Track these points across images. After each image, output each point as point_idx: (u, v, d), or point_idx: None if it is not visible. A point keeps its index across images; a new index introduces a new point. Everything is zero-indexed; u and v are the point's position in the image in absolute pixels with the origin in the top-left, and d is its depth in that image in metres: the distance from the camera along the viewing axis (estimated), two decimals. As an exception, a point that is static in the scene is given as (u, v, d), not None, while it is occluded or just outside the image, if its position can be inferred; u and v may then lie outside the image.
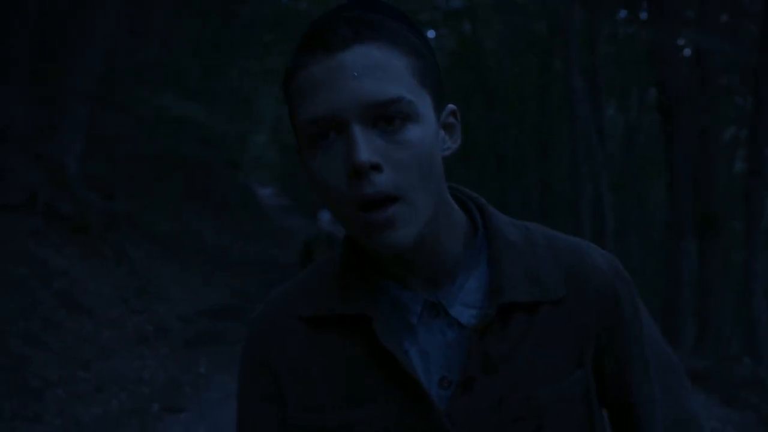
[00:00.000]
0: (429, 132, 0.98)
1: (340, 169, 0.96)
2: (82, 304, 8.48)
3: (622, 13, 23.28)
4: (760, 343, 11.41)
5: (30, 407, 6.11)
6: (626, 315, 1.10)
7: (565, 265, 1.08)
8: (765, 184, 12.09)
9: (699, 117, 13.47)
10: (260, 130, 46.62)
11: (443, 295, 1.06)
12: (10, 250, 8.33)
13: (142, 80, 14.26)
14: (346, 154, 0.95)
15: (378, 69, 0.95)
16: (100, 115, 12.13)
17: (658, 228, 26.14)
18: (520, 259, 1.07)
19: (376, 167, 0.94)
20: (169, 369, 8.34)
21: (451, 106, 1.06)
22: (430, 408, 1.02)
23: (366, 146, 0.94)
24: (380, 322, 1.04)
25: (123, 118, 14.14)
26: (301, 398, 1.08)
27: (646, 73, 21.04)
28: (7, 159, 9.90)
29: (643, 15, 20.09)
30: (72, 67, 10.78)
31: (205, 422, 6.68)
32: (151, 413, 6.87)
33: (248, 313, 12.43)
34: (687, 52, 16.31)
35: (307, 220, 34.47)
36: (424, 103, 0.99)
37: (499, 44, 29.19)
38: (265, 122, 46.53)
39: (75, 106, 10.40)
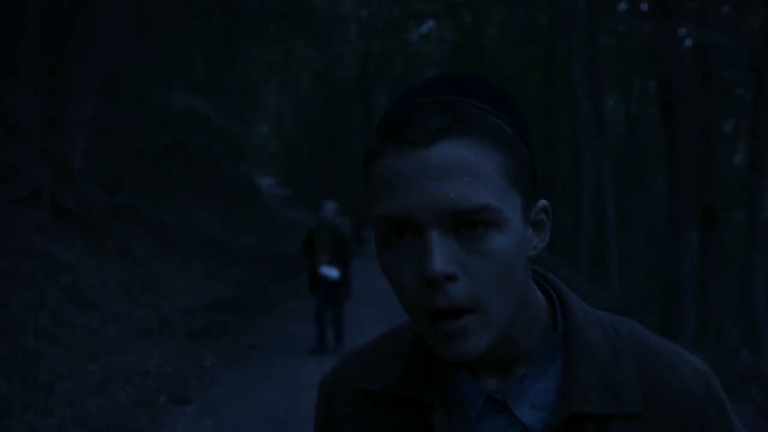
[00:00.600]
0: (514, 239, 0.90)
1: (413, 272, 0.89)
2: (88, 299, 8.57)
3: (623, 5, 23.28)
4: (759, 336, 11.49)
5: (41, 400, 6.22)
6: None
7: (648, 376, 0.98)
8: (766, 176, 12.13)
9: (700, 111, 13.52)
10: (263, 121, 46.65)
11: (510, 392, 0.98)
12: (18, 244, 8.41)
13: (148, 75, 14.33)
14: (420, 260, 0.88)
15: (465, 172, 0.87)
16: (106, 110, 12.20)
17: (661, 219, 26.20)
18: (599, 366, 0.98)
19: (451, 278, 0.87)
20: (174, 362, 8.43)
21: (542, 202, 0.97)
22: None
23: (442, 255, 0.87)
24: (440, 411, 0.98)
25: (128, 112, 14.22)
26: None
27: (648, 64, 21.07)
28: (14, 154, 9.98)
29: (644, 6, 20.08)
30: (79, 63, 10.85)
31: (211, 415, 6.77)
32: (158, 405, 6.96)
33: (251, 305, 12.56)
34: (688, 42, 16.34)
35: (309, 212, 34.57)
36: (511, 207, 0.90)
37: (500, 35, 29.20)
38: (268, 113, 46.56)
39: (81, 102, 10.48)
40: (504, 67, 27.83)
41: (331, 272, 9.19)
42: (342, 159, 40.72)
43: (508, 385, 0.98)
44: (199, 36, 18.56)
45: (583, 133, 19.58)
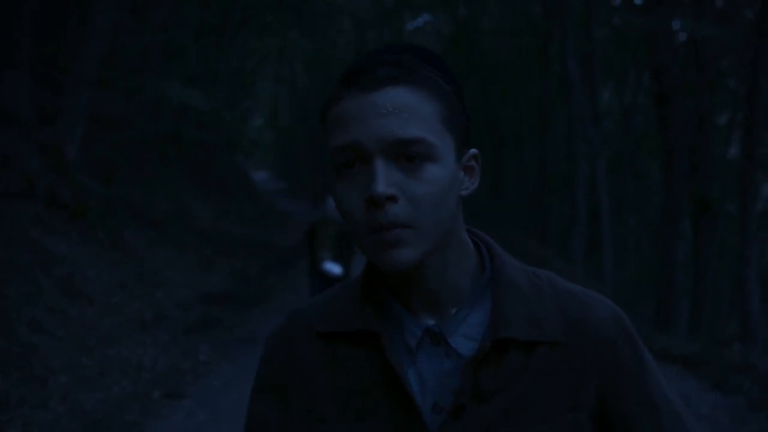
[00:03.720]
0: (446, 172, 1.06)
1: (360, 197, 1.05)
2: (83, 291, 8.57)
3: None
4: (752, 328, 11.52)
5: (36, 394, 6.22)
6: (627, 366, 1.13)
7: (567, 313, 1.13)
8: (761, 167, 12.13)
9: (694, 102, 13.53)
10: (258, 112, 46.53)
11: (445, 325, 1.12)
12: (13, 236, 8.41)
13: (144, 64, 14.30)
14: (367, 185, 1.04)
15: (405, 110, 1.04)
16: (101, 99, 12.17)
17: (655, 210, 26.22)
18: (522, 301, 1.13)
19: (391, 198, 1.03)
20: (169, 355, 8.44)
21: (473, 150, 1.14)
22: (423, 430, 1.09)
23: (385, 179, 1.03)
24: (388, 340, 1.12)
25: (123, 102, 14.19)
26: (307, 409, 1.17)
27: (643, 53, 21.05)
28: (9, 145, 9.96)
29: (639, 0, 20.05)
30: (74, 53, 10.82)
31: (206, 409, 6.78)
32: (153, 399, 6.97)
33: (246, 298, 12.56)
34: (682, 36, 16.33)
35: (303, 204, 34.54)
36: (445, 147, 1.07)
37: (495, 26, 29.12)
38: (263, 103, 46.41)
39: (77, 92, 10.45)
40: (498, 59, 27.76)
41: (334, 268, 9.04)
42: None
43: (443, 320, 1.13)
44: (195, 25, 18.50)
45: (577, 124, 19.60)
